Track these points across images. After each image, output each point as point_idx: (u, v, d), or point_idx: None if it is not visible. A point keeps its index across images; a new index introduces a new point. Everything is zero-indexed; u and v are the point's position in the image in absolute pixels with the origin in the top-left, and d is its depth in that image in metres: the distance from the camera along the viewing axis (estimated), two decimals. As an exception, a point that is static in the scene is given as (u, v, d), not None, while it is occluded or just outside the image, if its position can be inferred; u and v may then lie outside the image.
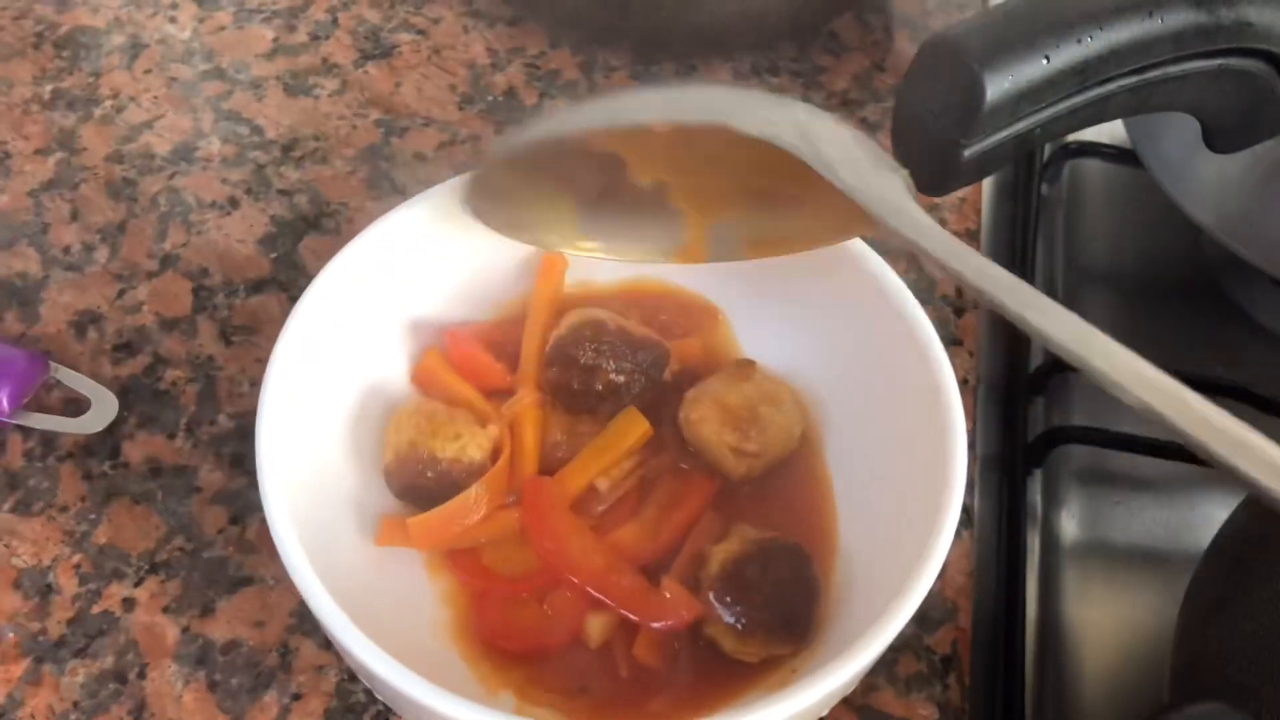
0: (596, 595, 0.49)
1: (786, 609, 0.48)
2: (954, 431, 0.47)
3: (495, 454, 0.51)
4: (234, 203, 0.64)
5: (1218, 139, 0.59)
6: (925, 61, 0.51)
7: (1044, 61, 0.49)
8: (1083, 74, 0.51)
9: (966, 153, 0.50)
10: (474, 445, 0.50)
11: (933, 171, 0.52)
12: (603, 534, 0.51)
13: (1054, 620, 0.63)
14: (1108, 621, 0.63)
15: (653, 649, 0.49)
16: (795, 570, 0.49)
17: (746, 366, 0.54)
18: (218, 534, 0.54)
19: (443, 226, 0.54)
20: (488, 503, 0.50)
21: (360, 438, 0.52)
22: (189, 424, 0.57)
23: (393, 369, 0.54)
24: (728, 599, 0.48)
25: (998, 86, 0.49)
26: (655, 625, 0.48)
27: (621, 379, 0.53)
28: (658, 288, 0.58)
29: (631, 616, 0.49)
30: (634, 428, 0.53)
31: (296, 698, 0.50)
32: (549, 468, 0.53)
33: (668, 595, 0.49)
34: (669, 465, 0.54)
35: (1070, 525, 0.65)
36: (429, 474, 0.50)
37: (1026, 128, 0.51)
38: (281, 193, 0.65)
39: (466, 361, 0.55)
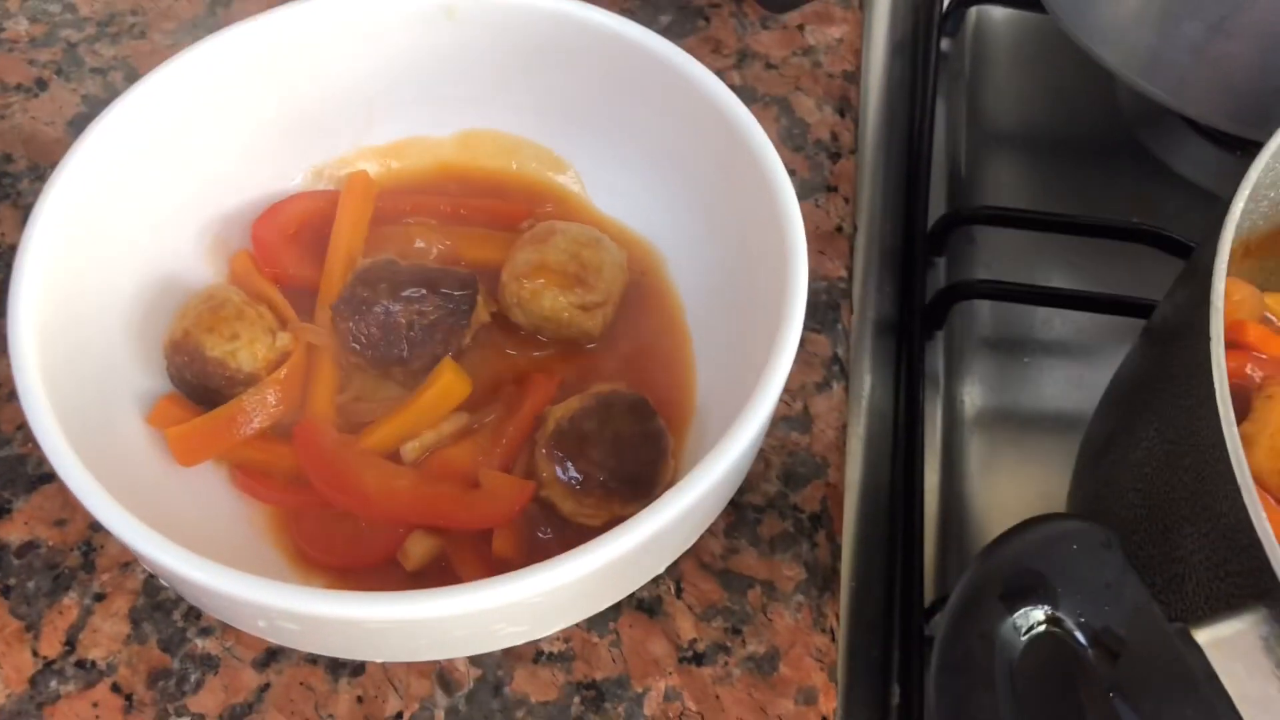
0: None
1: (628, 465, 0.44)
2: (794, 264, 0.42)
3: (276, 367, 0.46)
4: (42, 84, 0.59)
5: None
6: None
7: None
8: None
9: None
10: (249, 352, 0.45)
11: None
12: (426, 460, 0.45)
13: (957, 488, 0.59)
14: (1017, 486, 0.59)
15: (512, 541, 0.44)
16: (637, 423, 0.44)
17: (537, 224, 0.50)
18: (16, 430, 0.49)
19: (245, 73, 0.49)
20: (260, 418, 0.45)
21: (155, 318, 0.47)
22: (-13, 317, 0.52)
23: (194, 239, 0.49)
24: (560, 454, 0.43)
25: None
26: (484, 528, 0.43)
27: (425, 320, 0.46)
28: (502, 143, 0.54)
29: (454, 529, 0.44)
30: (450, 388, 0.46)
31: (99, 598, 0.45)
32: (351, 427, 0.46)
33: (487, 490, 0.44)
34: (504, 370, 0.48)
35: (975, 390, 0.61)
36: (191, 370, 0.45)
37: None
38: (95, 71, 0.59)
39: (272, 262, 0.49)
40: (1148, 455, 0.42)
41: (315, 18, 0.49)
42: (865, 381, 0.59)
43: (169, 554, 0.36)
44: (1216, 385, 0.36)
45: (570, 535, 0.44)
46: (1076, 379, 0.62)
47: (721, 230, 0.49)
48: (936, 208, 0.67)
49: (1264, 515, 0.34)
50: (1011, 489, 0.59)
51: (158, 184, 0.47)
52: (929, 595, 0.53)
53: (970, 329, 0.63)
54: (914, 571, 0.53)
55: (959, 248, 0.65)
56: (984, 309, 0.63)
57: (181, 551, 0.36)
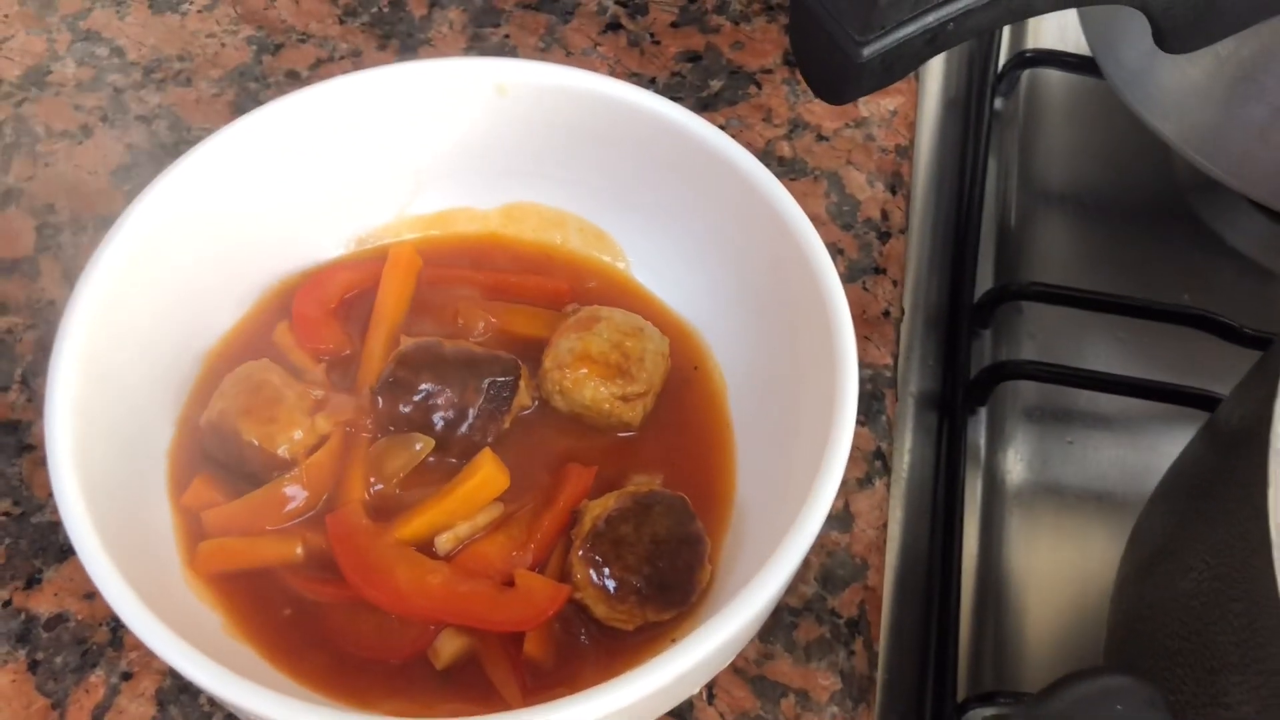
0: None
1: (664, 571, 0.43)
2: (845, 369, 0.42)
3: (313, 450, 0.45)
4: (87, 131, 0.59)
5: (1168, 37, 0.52)
6: (816, -53, 0.44)
7: (949, -58, 0.43)
8: (999, -43, 0.44)
9: (865, 51, 0.44)
10: (285, 436, 0.44)
11: (831, 75, 0.46)
12: (459, 553, 0.44)
13: (995, 570, 0.58)
14: (1055, 571, 0.58)
15: (543, 644, 0.43)
16: (675, 526, 0.44)
17: (581, 307, 0.49)
18: (49, 497, 0.48)
19: (291, 145, 0.48)
20: (294, 504, 0.44)
21: (194, 391, 0.47)
22: (24, 376, 0.52)
23: (234, 310, 0.49)
24: (597, 558, 0.43)
25: (895, -28, 0.42)
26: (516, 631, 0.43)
27: (466, 406, 0.45)
28: (548, 217, 0.53)
29: (486, 629, 0.43)
30: (489, 480, 0.45)
31: (127, 677, 0.45)
32: (385, 513, 0.45)
33: (522, 591, 0.43)
34: (540, 456, 0.47)
35: (1017, 466, 0.60)
36: (226, 452, 0.44)
37: (936, 21, 0.44)
38: (140, 119, 0.59)
39: (313, 336, 0.49)
40: (1196, 588, 0.41)
41: (364, 90, 0.48)
42: (905, 456, 0.58)
43: (191, 662, 0.36)
44: (1274, 538, 0.35)
45: (602, 639, 0.43)
46: (1120, 460, 0.61)
47: (767, 320, 0.48)
48: (984, 272, 0.66)
49: (1321, 685, 0.33)
50: (1051, 569, 0.58)
51: (199, 255, 0.47)
52: (962, 686, 0.52)
53: (1014, 403, 0.62)
54: (947, 663, 0.53)
55: (1006, 319, 0.64)
56: (1029, 383, 0.62)
57: (202, 659, 0.36)
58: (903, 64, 0.45)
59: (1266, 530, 0.36)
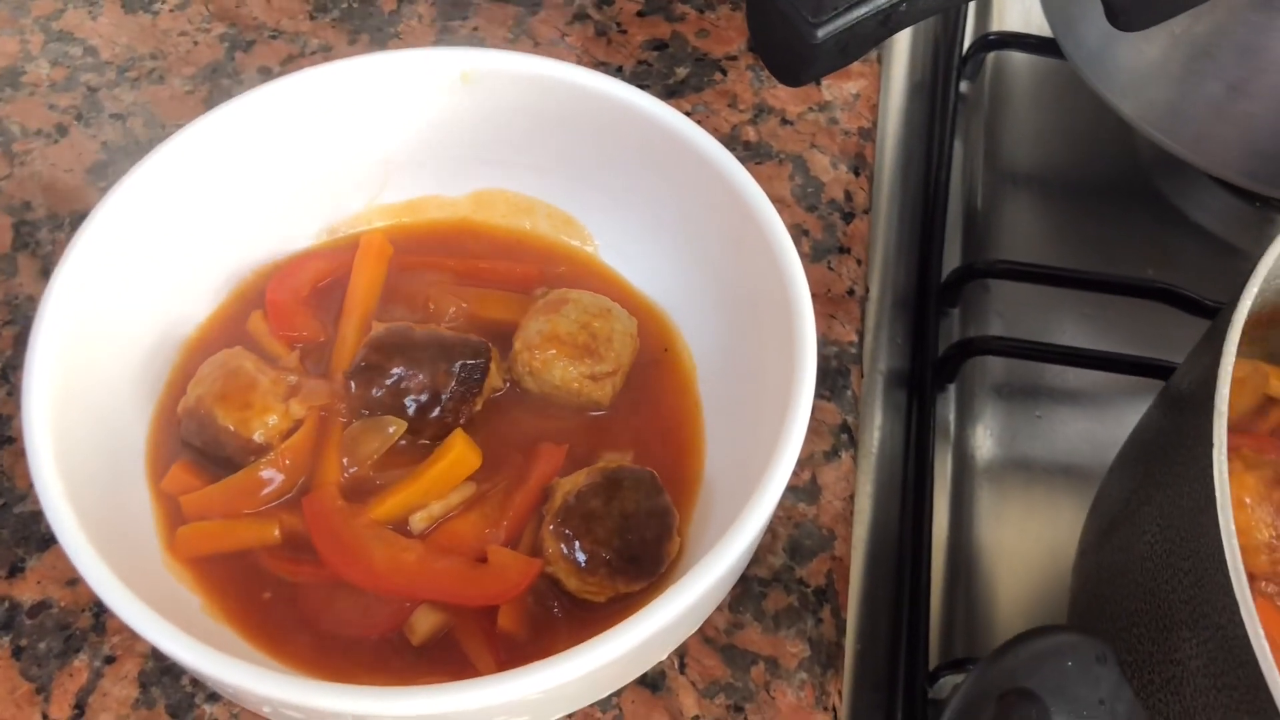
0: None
1: (633, 544, 0.44)
2: (803, 346, 0.43)
3: (288, 434, 0.46)
4: (62, 130, 0.59)
5: (1119, 14, 0.53)
6: (769, -69, 0.45)
7: (899, -76, 0.44)
8: (949, -62, 0.46)
9: (820, 33, 0.45)
10: (260, 421, 0.45)
11: (788, 57, 0.47)
12: (433, 531, 0.46)
13: (965, 542, 0.59)
14: (1024, 542, 0.59)
15: (517, 617, 0.44)
16: (644, 500, 0.45)
17: (550, 290, 0.50)
18: (30, 487, 0.49)
19: (261, 137, 0.49)
20: (270, 487, 0.45)
21: (170, 379, 0.48)
22: (4, 369, 0.52)
23: (209, 299, 0.50)
24: (567, 532, 0.44)
25: (846, -46, 0.43)
26: (490, 605, 0.44)
27: (438, 389, 0.46)
28: (516, 203, 0.54)
29: (461, 604, 0.44)
30: (461, 460, 0.46)
31: (110, 661, 0.46)
32: (359, 494, 0.46)
33: (495, 566, 0.44)
34: (512, 436, 0.48)
35: (986, 441, 0.61)
36: (203, 438, 0.45)
37: (889, 2, 0.45)
38: (115, 117, 0.60)
39: (287, 324, 0.49)
40: (1150, 550, 0.42)
41: (332, 81, 0.49)
42: (875, 433, 0.59)
43: (174, 641, 0.36)
44: (1218, 495, 0.36)
45: (574, 611, 0.44)
46: (1088, 433, 0.62)
47: (733, 300, 0.49)
48: (951, 253, 0.67)
49: (1261, 633, 0.34)
50: (1020, 541, 0.59)
51: (173, 246, 0.48)
52: (934, 656, 0.53)
53: (983, 379, 0.63)
54: (919, 633, 0.54)
55: (973, 297, 0.65)
56: (997, 359, 0.63)
57: (185, 638, 0.37)
58: (857, 45, 0.46)
59: (1212, 489, 0.37)
